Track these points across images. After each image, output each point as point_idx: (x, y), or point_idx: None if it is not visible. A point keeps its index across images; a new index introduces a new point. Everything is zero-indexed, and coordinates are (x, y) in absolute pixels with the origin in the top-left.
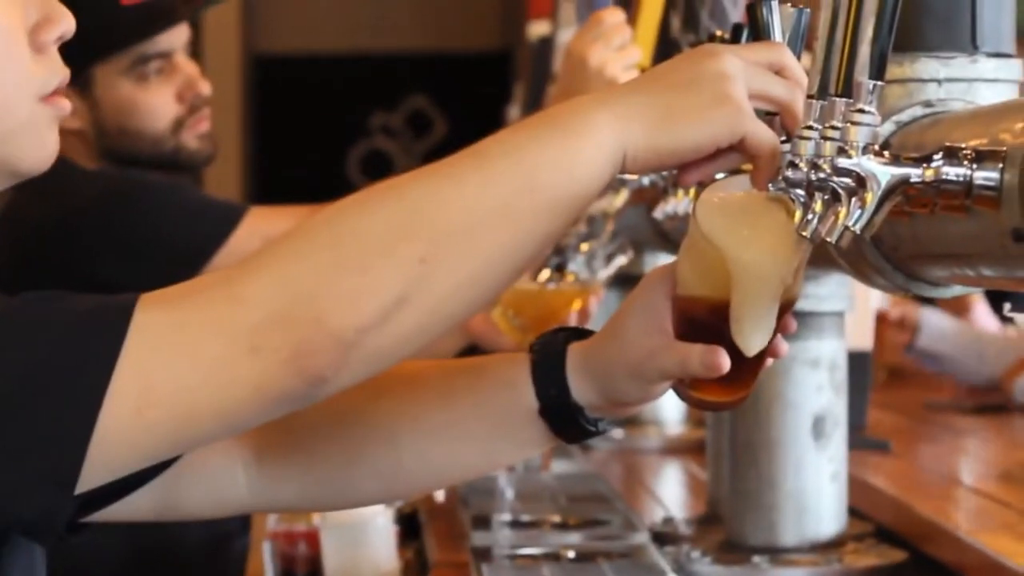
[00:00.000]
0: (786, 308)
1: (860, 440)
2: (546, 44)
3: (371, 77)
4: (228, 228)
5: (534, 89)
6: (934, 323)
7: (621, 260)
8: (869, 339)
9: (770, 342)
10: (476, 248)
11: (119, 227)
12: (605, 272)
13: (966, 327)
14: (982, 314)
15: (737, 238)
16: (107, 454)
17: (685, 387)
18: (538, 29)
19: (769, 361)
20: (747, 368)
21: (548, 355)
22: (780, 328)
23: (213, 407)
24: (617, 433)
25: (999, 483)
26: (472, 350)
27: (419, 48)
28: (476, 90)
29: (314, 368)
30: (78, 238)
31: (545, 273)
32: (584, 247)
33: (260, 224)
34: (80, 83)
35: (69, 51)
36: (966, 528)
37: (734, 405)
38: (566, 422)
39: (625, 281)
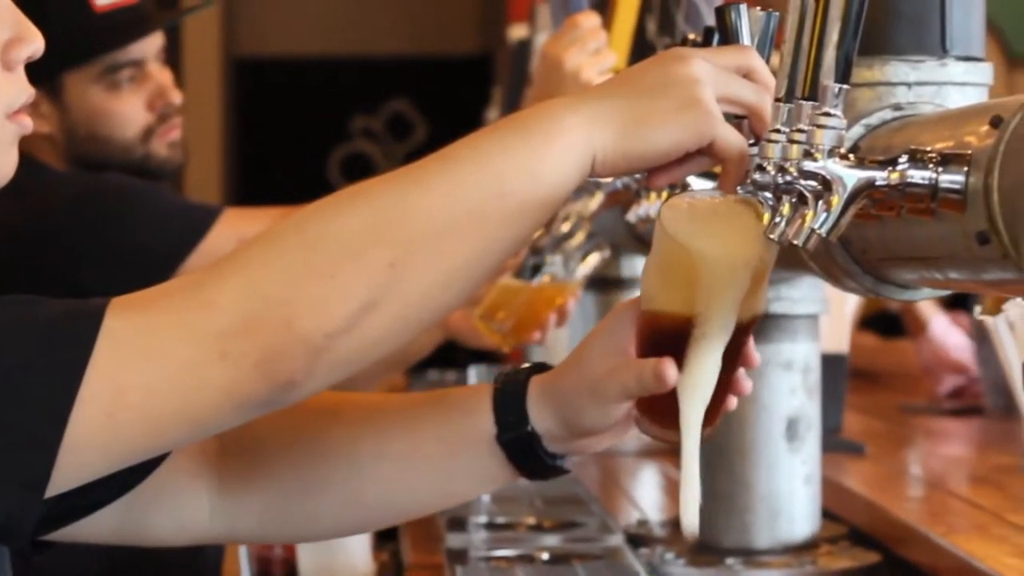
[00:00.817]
0: (750, 326)
1: (835, 442)
2: (524, 47)
3: (352, 80)
4: (202, 230)
5: (512, 92)
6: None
7: (597, 258)
8: (845, 342)
9: (733, 376)
10: (445, 252)
11: (94, 229)
12: (583, 271)
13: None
14: (940, 330)
15: (703, 239)
16: (77, 458)
17: (648, 422)
18: (517, 33)
19: (733, 403)
20: (710, 403)
21: (510, 383)
22: (744, 362)
23: (183, 412)
24: None
25: (973, 485)
26: (450, 346)
27: (400, 52)
28: (457, 93)
29: (283, 373)
30: (55, 240)
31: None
32: (561, 250)
33: (235, 226)
34: (50, 88)
35: (42, 56)
36: (940, 530)
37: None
38: (523, 451)
39: (602, 284)
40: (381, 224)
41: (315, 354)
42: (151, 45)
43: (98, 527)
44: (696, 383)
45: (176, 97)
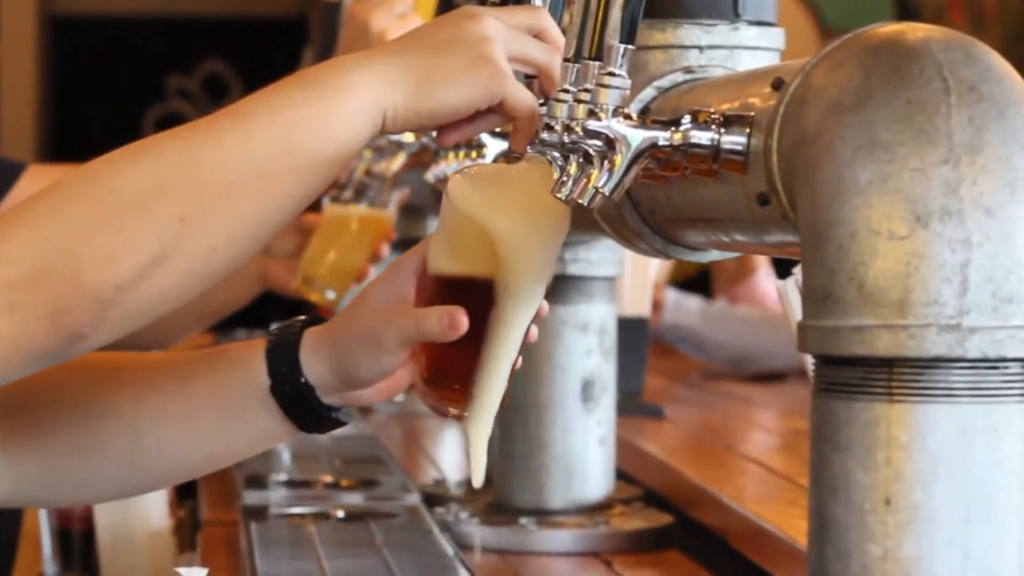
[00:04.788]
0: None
1: (634, 405)
2: (334, 9)
3: (168, 40)
4: (4, 186)
5: (322, 54)
6: (679, 300)
7: (397, 195)
8: (646, 306)
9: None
10: (234, 207)
11: None
12: (391, 205)
13: (713, 305)
14: (762, 279)
15: (493, 206)
16: None
17: (430, 397)
18: None
19: (519, 362)
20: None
21: (283, 336)
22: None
23: None
24: (398, 397)
25: (768, 449)
26: (266, 297)
27: (216, 12)
28: (273, 55)
29: (72, 325)
30: None
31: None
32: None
33: (39, 182)
34: None
35: None
36: (730, 493)
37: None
38: (298, 403)
39: (406, 245)
40: (171, 178)
41: (103, 307)
42: None
43: None
44: (500, 353)
45: None
